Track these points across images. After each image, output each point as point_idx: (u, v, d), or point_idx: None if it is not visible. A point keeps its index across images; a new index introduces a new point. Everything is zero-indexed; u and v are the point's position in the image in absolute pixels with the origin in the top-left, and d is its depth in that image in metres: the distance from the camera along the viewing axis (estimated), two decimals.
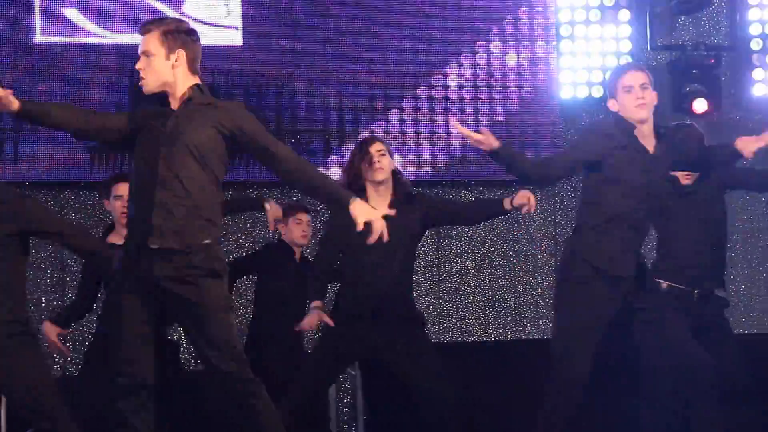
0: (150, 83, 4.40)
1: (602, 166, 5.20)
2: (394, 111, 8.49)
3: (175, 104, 4.41)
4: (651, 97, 5.22)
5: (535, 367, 6.63)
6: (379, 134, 8.27)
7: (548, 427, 5.17)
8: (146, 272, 4.30)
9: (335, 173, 8.12)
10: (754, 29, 9.04)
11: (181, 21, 4.52)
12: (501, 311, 8.76)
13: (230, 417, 4.35)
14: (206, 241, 4.33)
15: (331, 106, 8.37)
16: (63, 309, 6.12)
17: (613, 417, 6.59)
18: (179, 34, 4.39)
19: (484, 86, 8.62)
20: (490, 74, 8.64)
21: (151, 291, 4.32)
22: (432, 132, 8.52)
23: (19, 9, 7.83)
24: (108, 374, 4.44)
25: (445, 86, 8.57)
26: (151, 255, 4.30)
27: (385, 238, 4.31)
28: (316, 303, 5.55)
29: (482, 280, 8.77)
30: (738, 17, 9.09)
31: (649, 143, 5.24)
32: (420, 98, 8.53)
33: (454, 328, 8.66)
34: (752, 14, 9.05)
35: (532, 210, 5.46)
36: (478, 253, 8.77)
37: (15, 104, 4.22)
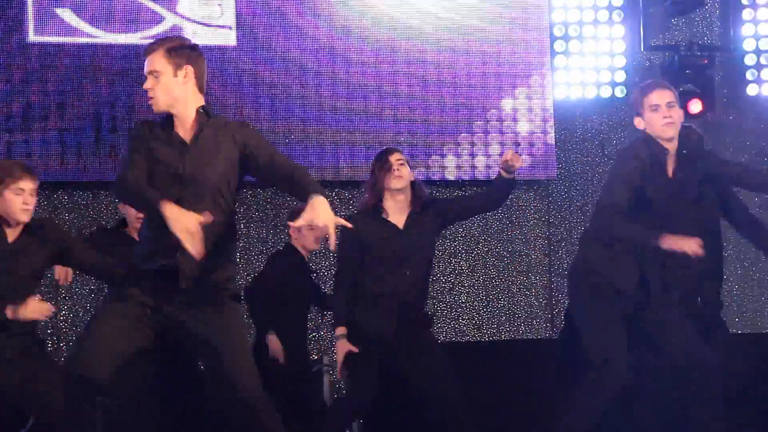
0: (160, 102, 4.27)
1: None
2: (387, 111, 8.49)
3: (181, 128, 4.28)
4: (678, 115, 5.16)
5: (529, 367, 6.65)
6: (372, 134, 8.28)
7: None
8: (168, 311, 4.22)
9: (328, 173, 8.13)
10: (747, 30, 9.06)
11: (183, 38, 4.46)
12: (494, 311, 8.77)
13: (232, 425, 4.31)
14: (228, 276, 4.30)
15: (324, 105, 8.38)
16: None
17: (613, 417, 6.58)
18: (184, 50, 4.28)
19: (478, 87, 8.63)
20: (485, 75, 8.66)
21: (160, 323, 4.24)
22: (426, 133, 8.53)
23: (13, 9, 7.81)
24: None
25: (441, 85, 8.58)
26: (174, 294, 4.21)
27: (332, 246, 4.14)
28: (341, 330, 5.50)
29: (476, 280, 8.77)
30: (731, 18, 9.11)
31: (671, 164, 5.21)
32: (415, 98, 8.54)
33: (448, 328, 8.66)
34: (745, 15, 9.08)
35: (518, 162, 5.46)
36: (472, 253, 8.78)
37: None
